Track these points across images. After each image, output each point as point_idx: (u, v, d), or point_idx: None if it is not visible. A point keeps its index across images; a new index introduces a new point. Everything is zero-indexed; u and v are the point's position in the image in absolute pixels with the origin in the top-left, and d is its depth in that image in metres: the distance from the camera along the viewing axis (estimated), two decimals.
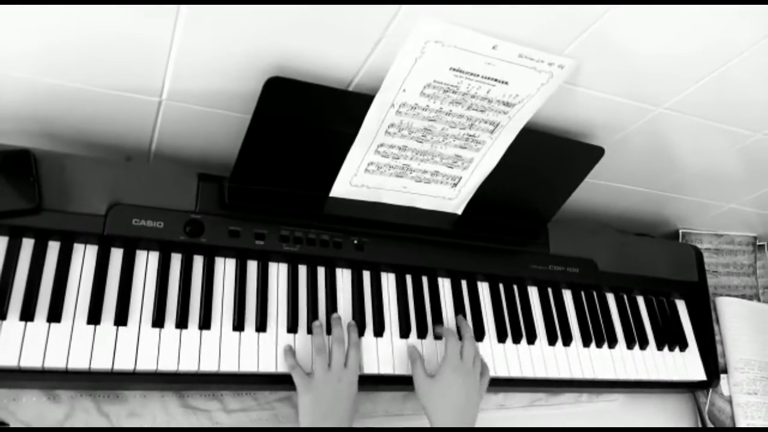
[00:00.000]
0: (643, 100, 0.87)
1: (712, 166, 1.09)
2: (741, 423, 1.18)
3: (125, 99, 0.78)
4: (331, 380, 0.80)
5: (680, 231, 1.36)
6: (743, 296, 1.33)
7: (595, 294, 1.13)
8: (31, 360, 0.72)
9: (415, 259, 0.97)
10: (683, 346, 1.16)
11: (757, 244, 1.40)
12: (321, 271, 0.92)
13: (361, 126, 0.81)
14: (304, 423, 0.78)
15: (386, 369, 0.89)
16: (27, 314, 0.73)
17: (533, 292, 1.07)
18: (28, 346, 0.72)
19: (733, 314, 1.27)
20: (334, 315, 0.88)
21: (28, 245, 0.77)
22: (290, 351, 0.83)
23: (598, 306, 1.12)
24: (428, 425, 0.85)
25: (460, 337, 0.92)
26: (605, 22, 0.70)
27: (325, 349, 0.83)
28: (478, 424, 1.03)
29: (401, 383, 0.90)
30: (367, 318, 0.91)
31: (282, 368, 0.83)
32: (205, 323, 0.81)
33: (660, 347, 1.14)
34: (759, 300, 1.35)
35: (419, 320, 0.95)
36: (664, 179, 1.13)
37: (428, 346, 0.93)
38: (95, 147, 0.88)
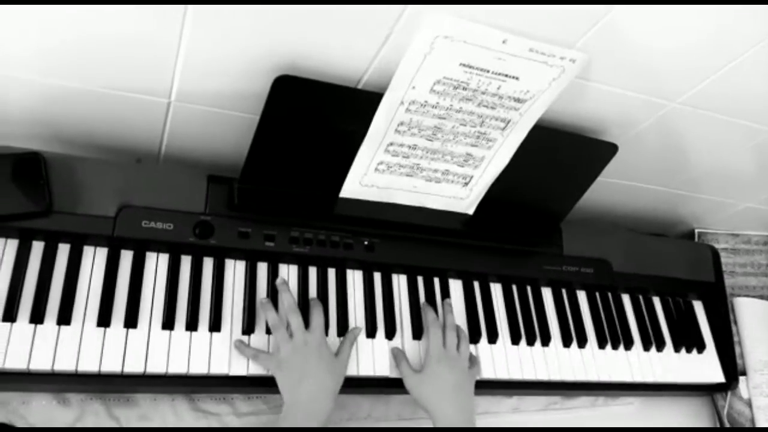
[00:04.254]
0: (656, 95, 0.86)
1: (727, 163, 1.07)
2: (761, 426, 1.15)
3: (134, 101, 0.78)
4: (297, 346, 0.79)
5: (696, 231, 1.34)
6: (761, 297, 1.31)
7: (610, 295, 1.11)
8: (41, 363, 0.71)
9: (427, 260, 0.96)
10: (701, 347, 1.14)
11: None
12: (331, 273, 0.91)
13: (371, 124, 0.80)
14: (285, 398, 0.77)
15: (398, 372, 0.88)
16: (37, 317, 0.73)
17: (547, 294, 1.06)
18: (38, 348, 0.72)
19: (751, 315, 1.25)
20: (278, 280, 0.85)
21: (38, 248, 0.77)
22: (242, 344, 0.80)
23: (613, 307, 1.10)
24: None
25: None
26: (615, 16, 0.69)
27: (281, 323, 0.81)
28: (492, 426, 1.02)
29: None
30: (378, 319, 0.90)
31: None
32: (215, 325, 0.81)
33: (677, 349, 1.12)
34: None
35: None
36: (678, 177, 1.12)
37: None
38: (105, 149, 0.88)
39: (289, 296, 0.84)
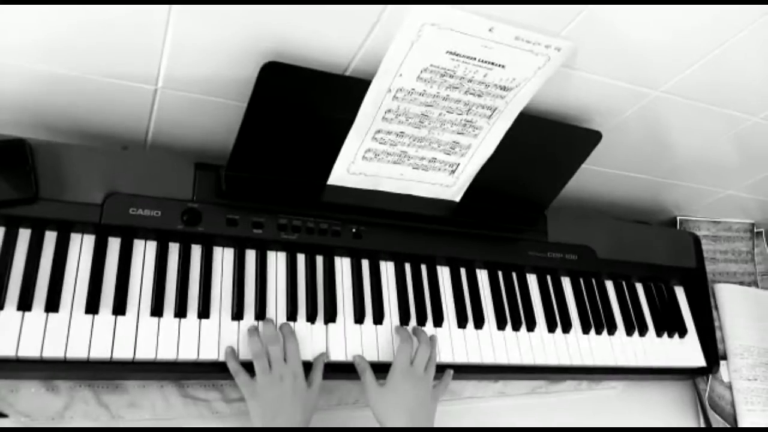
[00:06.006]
0: (640, 84, 0.87)
1: (709, 151, 1.09)
2: (741, 409, 1.18)
3: (121, 87, 0.78)
4: (273, 381, 0.77)
5: (678, 218, 1.36)
6: (742, 283, 1.34)
7: (594, 281, 1.13)
8: (30, 350, 0.71)
9: (414, 247, 0.97)
10: (682, 332, 1.17)
11: (755, 230, 1.41)
12: (320, 260, 0.92)
13: (358, 112, 0.80)
14: (255, 426, 0.76)
15: (387, 356, 0.89)
16: (24, 304, 0.73)
17: (532, 280, 1.07)
18: (26, 335, 0.72)
19: (732, 301, 1.28)
20: (266, 319, 0.84)
21: (24, 235, 0.77)
22: (232, 354, 0.79)
23: (597, 293, 1.12)
24: None
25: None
26: (600, 5, 0.70)
27: (262, 352, 0.79)
28: (479, 412, 1.04)
29: None
30: (366, 306, 0.91)
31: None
32: (203, 312, 0.81)
33: (659, 334, 1.14)
34: (757, 286, 1.36)
35: (419, 308, 0.95)
36: (661, 165, 1.13)
37: (428, 333, 0.93)
38: (91, 136, 0.88)
39: (271, 327, 0.82)
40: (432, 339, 0.92)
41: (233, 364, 0.79)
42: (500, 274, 1.04)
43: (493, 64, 0.77)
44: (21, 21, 0.66)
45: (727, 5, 0.72)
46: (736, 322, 1.26)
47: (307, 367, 0.82)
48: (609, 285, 1.15)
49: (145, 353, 0.76)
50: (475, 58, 0.76)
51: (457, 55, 0.75)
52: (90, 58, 0.73)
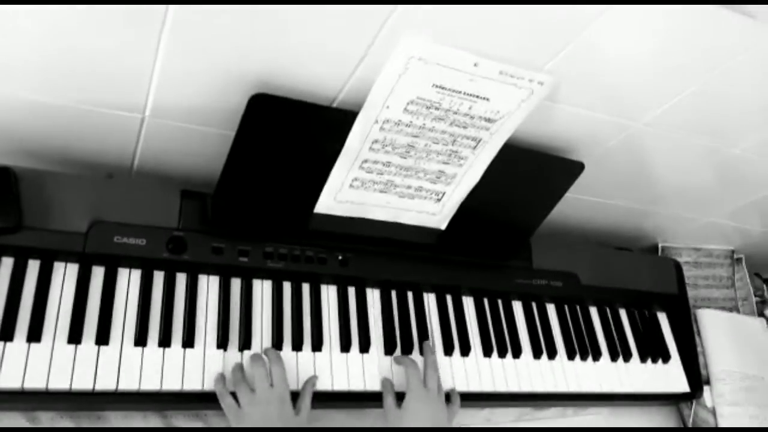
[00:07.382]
0: (623, 116, 0.89)
1: (690, 180, 1.11)
2: None
3: (108, 116, 0.78)
4: (258, 404, 0.77)
5: (660, 245, 1.38)
6: (723, 308, 1.35)
7: (578, 307, 1.14)
8: (10, 381, 0.70)
9: (400, 274, 0.97)
10: (666, 358, 1.18)
11: (735, 257, 1.43)
12: (306, 288, 0.92)
13: (346, 142, 0.81)
14: None
15: (373, 386, 0.88)
16: (6, 334, 0.72)
17: (517, 306, 1.08)
18: (7, 366, 0.71)
19: (714, 326, 1.29)
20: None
21: (7, 264, 0.76)
22: (220, 378, 0.79)
23: (581, 319, 1.13)
24: None
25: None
26: (583, 40, 0.72)
27: (242, 377, 0.79)
28: None
29: None
30: (352, 334, 0.91)
31: None
32: (188, 341, 0.80)
33: (643, 359, 1.15)
34: (738, 311, 1.37)
35: (404, 336, 0.95)
36: (643, 194, 1.15)
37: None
38: (76, 164, 0.88)
39: (257, 353, 0.83)
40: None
41: (219, 387, 0.78)
42: (486, 301, 1.05)
43: (477, 97, 0.78)
44: (5, 48, 0.66)
45: (708, 40, 0.74)
46: (719, 347, 1.27)
47: (294, 396, 0.82)
48: (593, 311, 1.16)
49: (128, 384, 0.75)
50: (460, 91, 0.77)
51: (443, 88, 0.76)
52: (77, 86, 0.73)
